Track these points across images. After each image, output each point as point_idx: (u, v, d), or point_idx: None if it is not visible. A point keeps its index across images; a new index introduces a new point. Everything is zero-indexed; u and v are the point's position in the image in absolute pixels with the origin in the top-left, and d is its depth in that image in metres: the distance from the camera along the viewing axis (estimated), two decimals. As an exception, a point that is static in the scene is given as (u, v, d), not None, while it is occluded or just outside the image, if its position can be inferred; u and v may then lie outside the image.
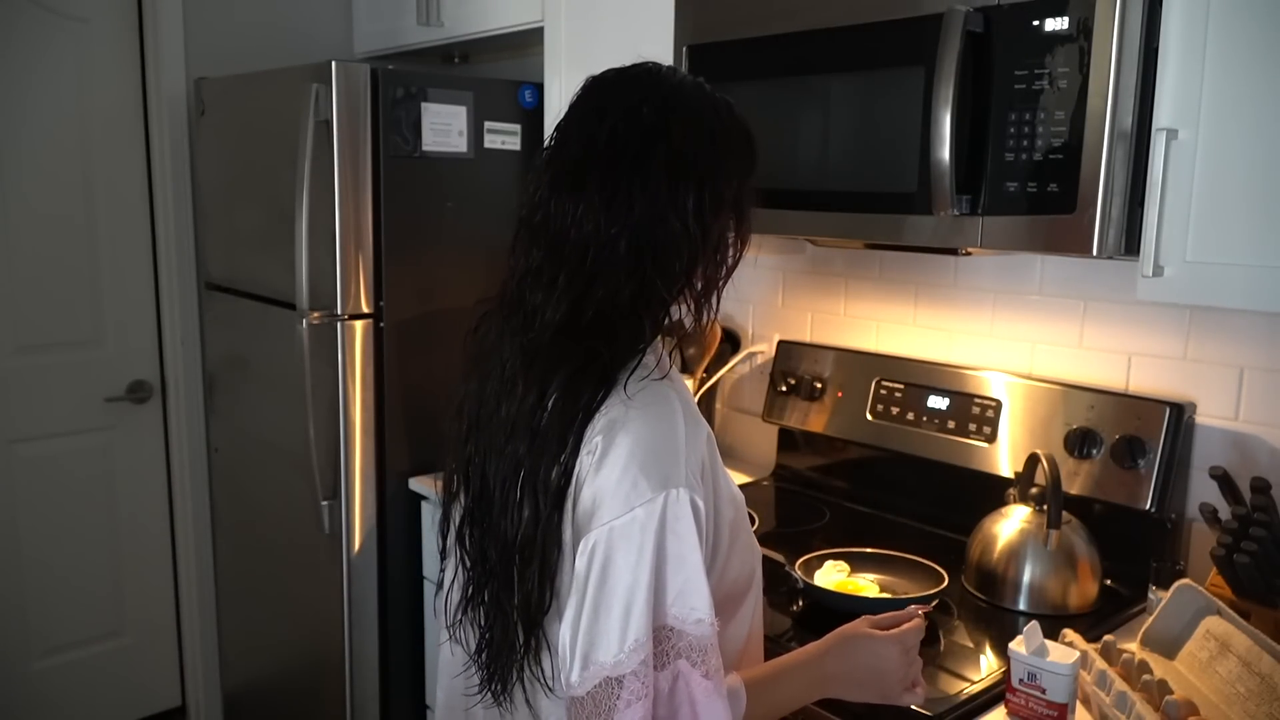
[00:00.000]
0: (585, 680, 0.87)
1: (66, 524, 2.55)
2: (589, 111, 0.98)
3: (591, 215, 0.93)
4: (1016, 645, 1.14)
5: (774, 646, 1.38)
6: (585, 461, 0.91)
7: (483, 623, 1.01)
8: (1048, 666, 1.11)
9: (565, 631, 0.90)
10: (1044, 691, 1.11)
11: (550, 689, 0.96)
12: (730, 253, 1.01)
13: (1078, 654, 1.13)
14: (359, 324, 2.08)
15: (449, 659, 1.13)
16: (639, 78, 0.99)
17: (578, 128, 0.98)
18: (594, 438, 0.91)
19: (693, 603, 0.89)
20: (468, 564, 1.03)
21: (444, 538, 1.08)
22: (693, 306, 0.98)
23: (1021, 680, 1.13)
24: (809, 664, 1.07)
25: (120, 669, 2.70)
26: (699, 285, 0.98)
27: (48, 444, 2.51)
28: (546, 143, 1.01)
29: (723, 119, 0.99)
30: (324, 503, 2.12)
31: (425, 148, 2.10)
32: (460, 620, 1.05)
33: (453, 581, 1.07)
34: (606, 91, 0.99)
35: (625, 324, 0.94)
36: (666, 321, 0.99)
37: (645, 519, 0.87)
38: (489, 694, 1.01)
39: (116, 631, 2.68)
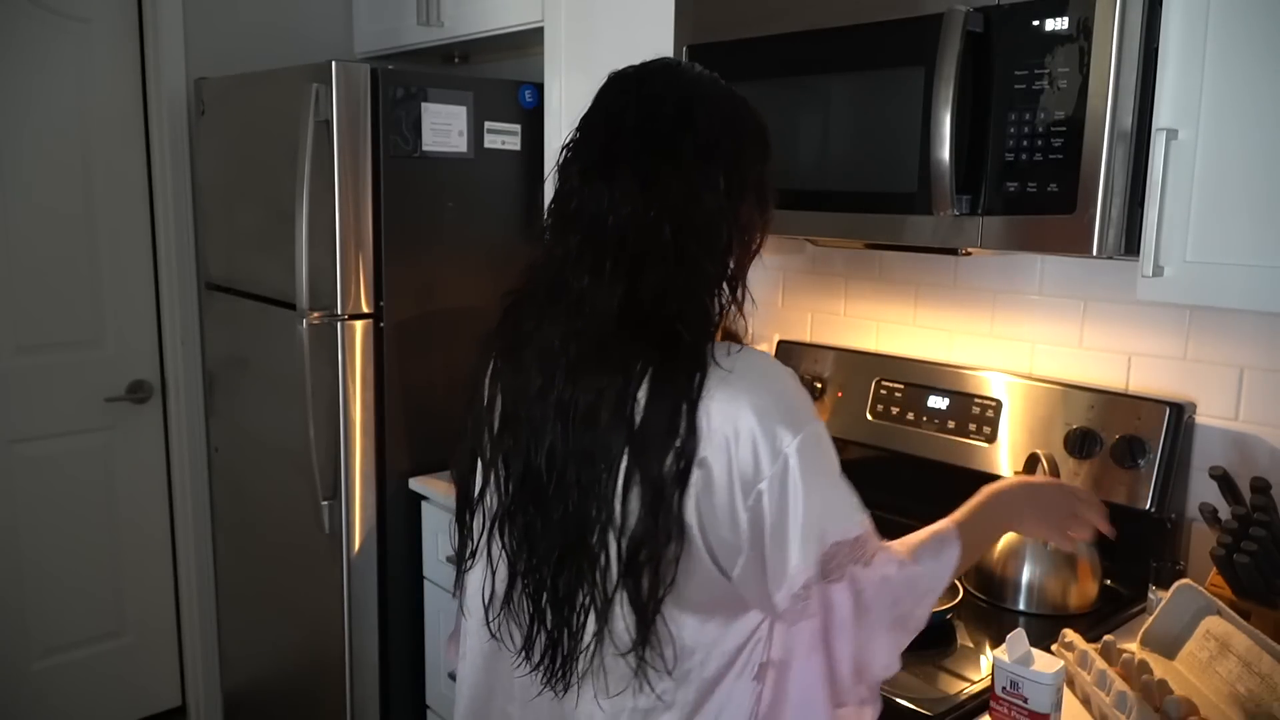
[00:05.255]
0: (783, 603, 0.95)
1: (66, 524, 2.55)
2: (614, 103, 1.01)
3: (628, 200, 0.95)
4: (1000, 653, 1.13)
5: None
6: (710, 446, 0.92)
7: (533, 617, 1.01)
8: (1030, 675, 1.10)
9: (745, 578, 0.95)
10: (1026, 701, 1.10)
11: (668, 670, 0.98)
12: (757, 236, 1.04)
13: (1061, 664, 1.12)
14: (359, 324, 2.08)
15: (479, 655, 1.12)
16: (659, 71, 1.02)
17: (604, 118, 1.01)
18: (715, 420, 0.92)
19: (848, 512, 0.97)
20: (506, 559, 1.03)
21: (467, 533, 1.09)
22: (728, 288, 1.01)
23: (1004, 688, 1.12)
24: (989, 502, 1.17)
25: (120, 669, 2.70)
26: (738, 268, 1.02)
27: (48, 444, 2.51)
28: (568, 136, 1.03)
29: (739, 108, 1.03)
30: (324, 503, 2.12)
31: (425, 148, 2.10)
32: (500, 615, 1.05)
33: (484, 579, 1.07)
34: (629, 84, 1.02)
35: (691, 306, 0.97)
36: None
37: (792, 461, 0.92)
38: (549, 686, 1.02)
39: (116, 631, 2.68)
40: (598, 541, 0.95)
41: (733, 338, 1.02)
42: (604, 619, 0.96)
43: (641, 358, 0.94)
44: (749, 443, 0.92)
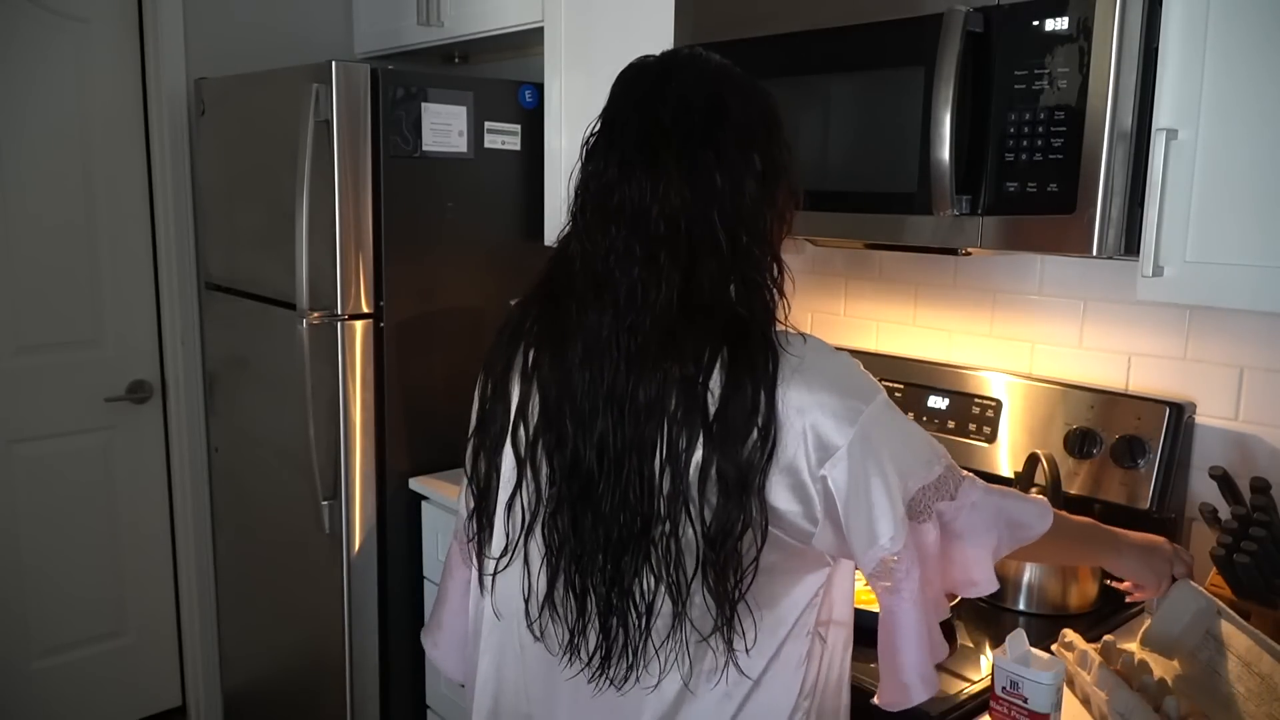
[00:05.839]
0: (869, 562, 0.98)
1: (66, 524, 2.55)
2: (644, 95, 1.01)
3: (673, 192, 0.96)
4: (1000, 653, 1.13)
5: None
6: (788, 430, 0.95)
7: (581, 613, 1.01)
8: (1030, 675, 1.10)
9: (831, 544, 0.99)
10: (1026, 701, 1.10)
11: (746, 650, 0.99)
12: (789, 217, 1.08)
13: (1061, 664, 1.12)
14: (359, 324, 2.08)
15: (506, 654, 1.11)
16: (684, 61, 1.03)
17: (636, 111, 1.00)
18: (791, 404, 0.95)
19: (926, 457, 1.01)
20: (550, 555, 1.02)
21: (487, 530, 1.09)
22: (777, 273, 1.02)
23: (1004, 688, 1.12)
24: (1102, 527, 1.26)
25: (120, 669, 2.69)
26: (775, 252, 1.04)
27: (48, 444, 2.51)
28: (590, 130, 1.03)
29: (763, 96, 1.04)
30: (324, 503, 2.12)
31: (425, 148, 2.10)
32: (543, 613, 1.04)
33: (519, 577, 1.06)
34: (655, 75, 1.02)
35: (752, 293, 0.98)
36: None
37: (865, 432, 0.96)
38: (604, 680, 1.01)
39: (116, 631, 2.68)
40: (665, 531, 0.95)
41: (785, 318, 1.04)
42: (679, 607, 0.97)
43: (710, 346, 0.95)
44: (824, 420, 0.95)
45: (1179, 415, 1.53)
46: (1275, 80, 1.13)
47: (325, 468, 2.11)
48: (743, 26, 1.59)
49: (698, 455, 0.94)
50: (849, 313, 2.05)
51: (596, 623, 1.00)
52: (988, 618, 1.50)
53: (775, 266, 1.02)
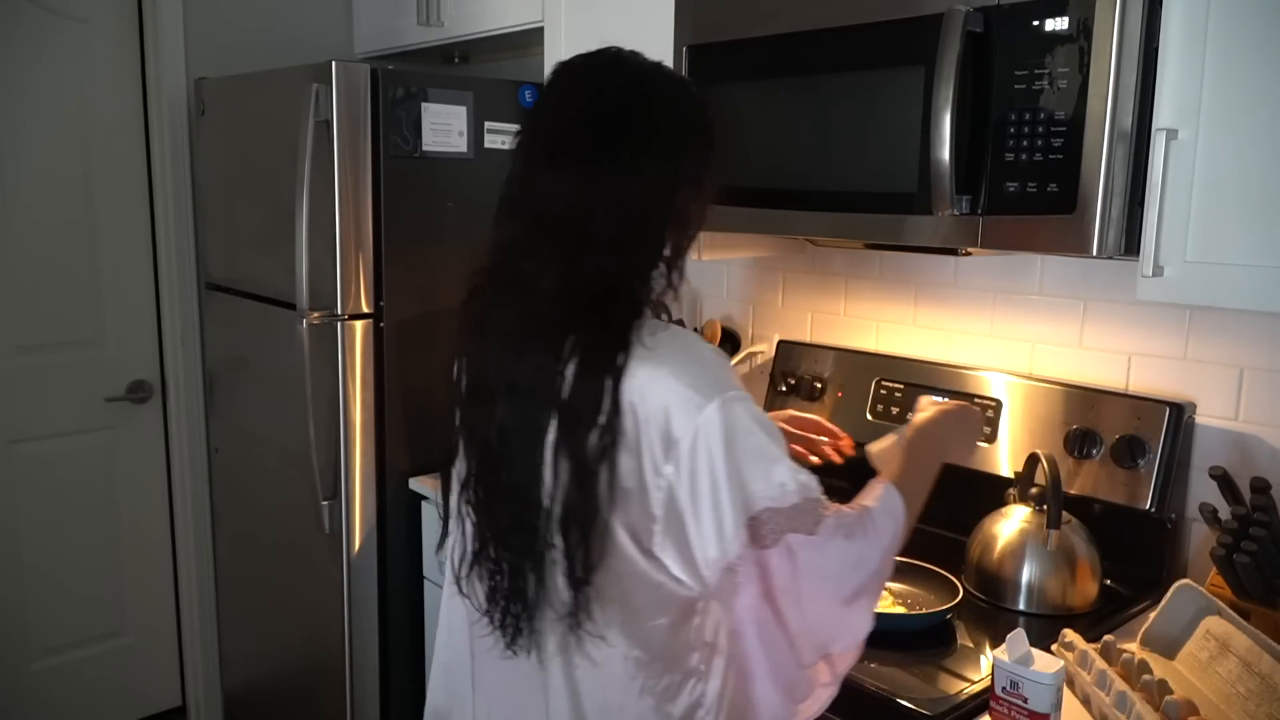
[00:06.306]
0: (711, 575, 0.98)
1: (66, 524, 2.55)
2: (561, 94, 1.07)
3: (567, 188, 1.01)
4: (1000, 653, 1.13)
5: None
6: (632, 420, 0.97)
7: (492, 579, 1.07)
8: (1030, 675, 1.10)
9: (674, 551, 0.99)
10: (1026, 701, 1.10)
11: (599, 636, 1.02)
12: (694, 223, 1.09)
13: (1061, 664, 1.12)
14: (359, 324, 2.08)
15: (452, 616, 1.18)
16: (606, 62, 1.07)
17: (550, 109, 1.07)
18: (636, 396, 0.97)
19: (779, 479, 0.98)
20: (473, 523, 1.09)
21: (446, 499, 1.15)
22: (666, 273, 1.06)
23: (1004, 689, 1.12)
24: (919, 440, 1.21)
25: (120, 669, 2.70)
26: (669, 253, 1.06)
27: (48, 444, 2.51)
28: (521, 125, 1.10)
29: (681, 99, 1.07)
30: (324, 503, 2.12)
31: (425, 148, 2.10)
32: (468, 576, 1.10)
33: (454, 541, 1.13)
34: (576, 75, 1.07)
35: (623, 289, 1.02)
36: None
37: (708, 427, 0.96)
38: (505, 643, 1.07)
39: (116, 631, 2.68)
40: (539, 511, 1.02)
41: (668, 317, 1.06)
42: (541, 584, 1.03)
43: (574, 336, 1.00)
44: (666, 413, 0.97)
45: (1179, 415, 1.53)
46: (1275, 80, 1.13)
47: (325, 468, 2.11)
48: (743, 26, 1.59)
49: (550, 441, 1.00)
50: (849, 313, 2.05)
51: (498, 591, 1.07)
52: (988, 618, 1.50)
53: (671, 266, 1.05)
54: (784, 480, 0.98)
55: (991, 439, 1.72)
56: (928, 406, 1.28)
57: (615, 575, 1.01)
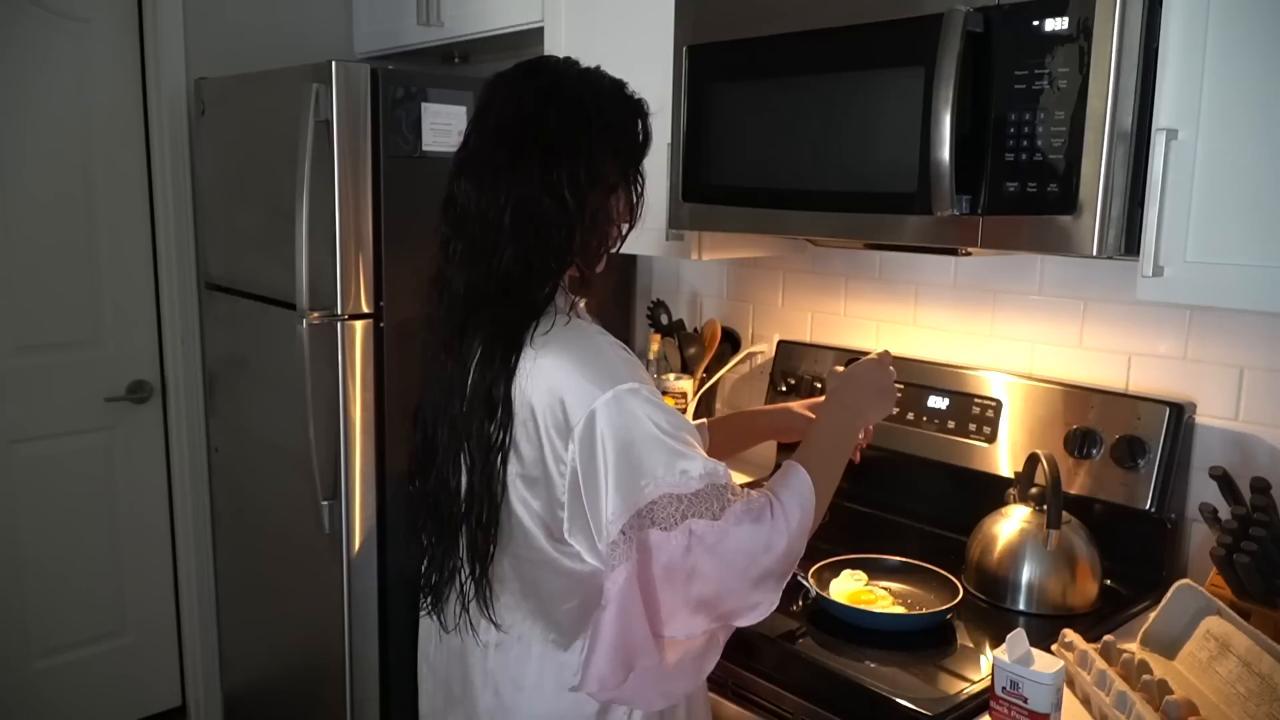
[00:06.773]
0: (610, 553, 1.03)
1: (66, 524, 2.55)
2: (485, 103, 1.13)
3: (479, 194, 1.07)
4: (1000, 653, 1.13)
5: (787, 643, 1.39)
6: (530, 414, 1.04)
7: (420, 559, 1.18)
8: (1030, 675, 1.10)
9: (577, 534, 1.06)
10: (1026, 701, 1.10)
11: (495, 622, 1.14)
12: (615, 223, 1.13)
13: (1061, 664, 1.12)
14: (359, 324, 2.08)
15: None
16: (529, 70, 1.12)
17: (477, 118, 1.14)
18: (529, 393, 1.04)
19: (682, 466, 1.02)
20: (415, 499, 1.20)
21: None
22: (580, 270, 1.12)
23: (1004, 688, 1.12)
24: (830, 413, 1.27)
25: (120, 669, 2.70)
26: (582, 253, 1.11)
27: (48, 444, 2.51)
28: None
29: (604, 103, 1.11)
30: (324, 503, 2.12)
31: (425, 148, 2.10)
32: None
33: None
34: (499, 86, 1.13)
35: (522, 290, 1.07)
36: (565, 283, 1.13)
37: (601, 415, 1.01)
38: (437, 623, 1.24)
39: (116, 631, 2.68)
40: (455, 498, 1.12)
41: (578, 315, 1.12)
42: (460, 567, 1.13)
43: (480, 333, 1.08)
44: (562, 404, 1.02)
45: (1179, 415, 1.53)
46: (1275, 80, 1.13)
47: (325, 468, 2.11)
48: (743, 26, 1.59)
49: (449, 432, 1.10)
50: (849, 313, 2.05)
51: (423, 570, 1.20)
52: (988, 618, 1.50)
53: (584, 268, 1.11)
54: (686, 468, 1.01)
55: (992, 439, 1.72)
56: (835, 376, 1.34)
57: (527, 564, 1.08)
